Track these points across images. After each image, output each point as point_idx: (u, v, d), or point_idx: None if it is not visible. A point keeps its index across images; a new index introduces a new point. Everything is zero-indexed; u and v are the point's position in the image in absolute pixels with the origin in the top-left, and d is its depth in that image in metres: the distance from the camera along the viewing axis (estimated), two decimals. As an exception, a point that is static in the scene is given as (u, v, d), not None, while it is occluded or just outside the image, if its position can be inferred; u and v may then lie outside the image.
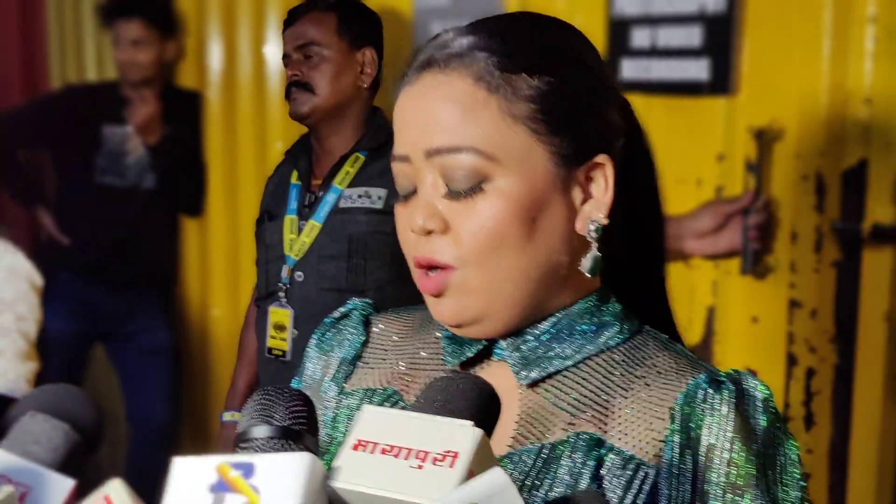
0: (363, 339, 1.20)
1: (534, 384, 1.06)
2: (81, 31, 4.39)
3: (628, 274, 1.15)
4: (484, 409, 0.82)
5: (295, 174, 2.40)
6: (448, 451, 0.76)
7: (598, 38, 2.65)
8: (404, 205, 1.07)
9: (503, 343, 1.07)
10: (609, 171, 1.06)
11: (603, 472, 1.00)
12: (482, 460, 0.77)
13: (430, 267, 1.04)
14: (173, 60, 3.87)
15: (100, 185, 3.73)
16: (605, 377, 1.05)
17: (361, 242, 2.28)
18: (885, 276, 2.16)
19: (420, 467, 0.76)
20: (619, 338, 1.07)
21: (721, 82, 2.39)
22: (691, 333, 2.50)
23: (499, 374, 1.06)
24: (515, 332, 1.07)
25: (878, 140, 2.16)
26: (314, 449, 0.83)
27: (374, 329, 1.21)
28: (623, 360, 1.06)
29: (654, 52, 2.53)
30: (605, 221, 1.05)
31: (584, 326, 1.07)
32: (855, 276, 2.20)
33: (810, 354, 2.27)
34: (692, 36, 2.45)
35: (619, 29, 2.60)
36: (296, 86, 2.33)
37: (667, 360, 1.05)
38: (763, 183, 2.34)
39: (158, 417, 3.80)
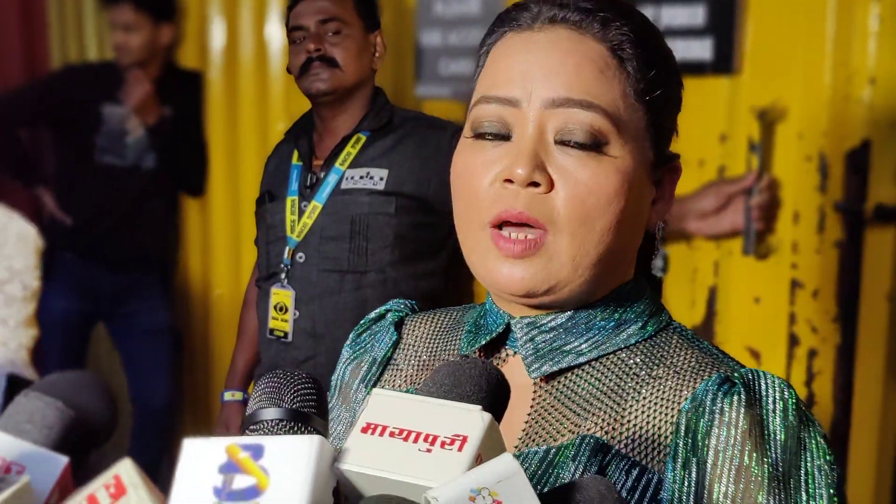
0: (394, 339, 1.18)
1: (546, 380, 1.03)
2: (82, 12, 4.38)
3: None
4: (492, 394, 0.82)
5: (296, 154, 2.39)
6: (457, 436, 0.76)
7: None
8: (482, 147, 1.00)
9: (518, 333, 1.04)
10: (678, 176, 1.06)
11: (607, 473, 0.96)
12: (491, 445, 0.77)
13: (517, 225, 0.97)
14: (169, 45, 3.85)
15: (100, 165, 3.72)
16: (620, 378, 1.01)
17: (363, 223, 2.27)
18: (888, 257, 2.16)
19: (428, 451, 0.76)
20: (639, 335, 1.03)
21: (724, 62, 2.39)
22: (693, 313, 2.51)
23: (514, 371, 1.04)
24: (537, 311, 1.03)
25: (882, 121, 2.15)
26: (323, 431, 0.83)
27: (406, 330, 1.18)
28: (642, 361, 1.01)
29: (657, 32, 2.52)
30: (666, 223, 1.06)
31: (602, 322, 1.03)
32: (857, 256, 2.20)
33: (812, 335, 2.28)
34: (696, 15, 2.44)
35: (622, 8, 2.59)
36: (319, 60, 2.29)
37: (688, 359, 1.00)
38: (765, 163, 2.34)
39: (160, 398, 3.80)
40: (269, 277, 2.36)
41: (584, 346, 1.02)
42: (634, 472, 0.95)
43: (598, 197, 0.96)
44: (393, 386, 1.15)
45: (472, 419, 0.77)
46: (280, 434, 0.81)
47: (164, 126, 3.65)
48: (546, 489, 0.91)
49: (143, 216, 3.77)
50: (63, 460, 0.91)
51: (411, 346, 1.17)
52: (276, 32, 3.53)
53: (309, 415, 0.81)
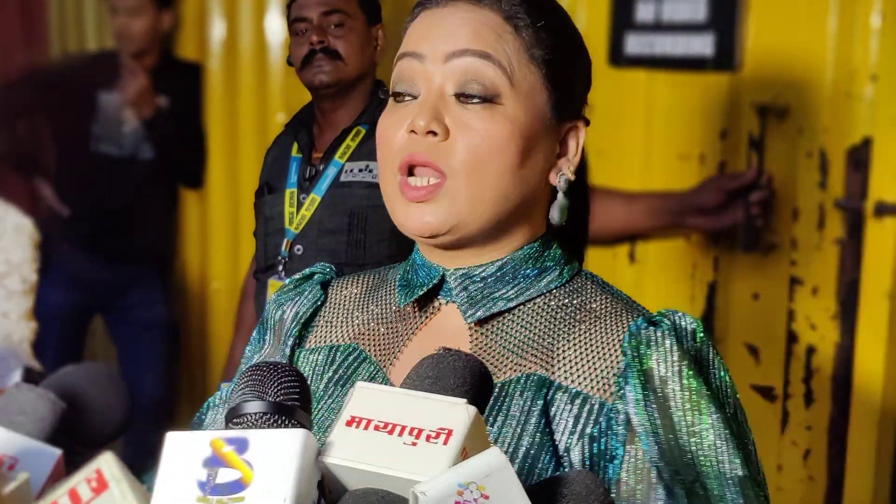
0: (320, 296, 1.28)
1: (480, 324, 1.15)
2: (82, 1, 4.37)
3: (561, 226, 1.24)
4: (476, 387, 0.82)
5: (295, 147, 2.37)
6: (442, 429, 0.76)
7: (602, 11, 2.63)
8: (396, 108, 1.15)
9: (451, 283, 1.16)
10: (582, 135, 1.20)
11: (552, 410, 1.08)
12: (476, 437, 0.76)
13: (420, 167, 1.11)
14: (169, 31, 3.84)
15: (96, 154, 3.70)
16: (548, 321, 1.15)
17: (362, 217, 2.26)
18: (888, 254, 2.15)
19: (413, 444, 0.76)
20: (558, 281, 1.17)
21: (725, 58, 2.38)
22: (693, 309, 2.50)
23: (450, 317, 1.17)
24: (469, 261, 1.16)
25: (883, 118, 2.14)
26: (307, 425, 0.82)
27: (335, 290, 1.29)
28: (563, 304, 1.16)
29: (659, 27, 2.51)
30: (572, 177, 1.18)
31: (527, 271, 1.17)
32: (857, 253, 2.19)
33: (811, 332, 2.27)
34: (697, 10, 2.43)
35: (624, 3, 2.58)
36: (322, 52, 2.28)
37: (604, 304, 1.15)
38: (766, 159, 2.33)
39: (153, 392, 3.78)
40: (266, 269, 2.34)
41: (511, 292, 1.16)
42: (577, 401, 1.08)
43: (490, 143, 1.10)
44: (325, 341, 1.25)
45: (456, 412, 0.76)
46: (264, 427, 0.81)
47: (161, 119, 3.63)
48: (497, 421, 1.07)
49: (141, 207, 3.74)
50: (56, 453, 0.91)
51: (341, 305, 1.27)
52: (276, 24, 3.52)
53: (293, 408, 0.81)
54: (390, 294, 1.25)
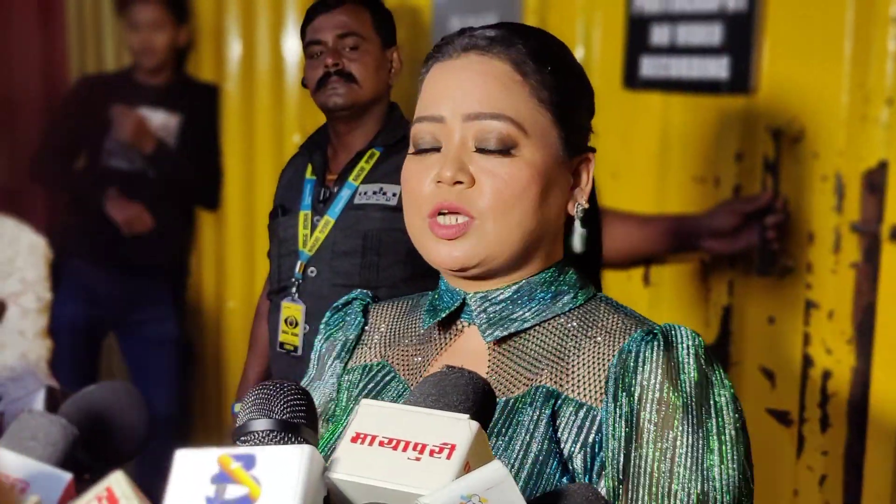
0: (362, 322, 1.38)
1: (498, 343, 1.23)
2: (101, 23, 4.41)
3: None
4: (479, 403, 0.83)
5: (310, 168, 2.38)
6: (445, 444, 0.77)
7: (617, 34, 2.64)
8: (421, 159, 1.23)
9: (472, 306, 1.24)
10: (592, 164, 1.28)
11: (559, 419, 1.15)
12: (478, 452, 0.77)
13: (450, 213, 1.19)
14: (184, 46, 3.87)
15: (108, 169, 3.72)
16: (560, 338, 1.22)
17: (376, 239, 2.26)
18: (904, 279, 2.14)
19: (417, 459, 0.77)
20: (572, 304, 1.25)
21: (741, 81, 2.38)
22: (707, 333, 2.49)
23: (472, 338, 1.25)
24: (490, 285, 1.24)
25: (899, 141, 2.13)
26: (313, 441, 0.83)
27: (372, 315, 1.39)
28: (577, 324, 1.23)
29: (674, 50, 2.51)
30: (587, 205, 1.26)
31: (542, 294, 1.24)
32: (873, 277, 2.18)
33: (827, 356, 2.25)
34: (712, 34, 2.44)
35: (639, 26, 2.58)
36: (337, 74, 2.29)
37: (616, 322, 1.22)
38: (781, 183, 2.32)
39: (164, 409, 3.79)
40: (280, 291, 2.35)
41: (527, 314, 1.23)
42: (582, 411, 1.15)
43: (513, 187, 1.18)
44: (364, 361, 1.34)
45: (459, 428, 0.78)
46: (271, 444, 0.81)
47: (163, 151, 3.65)
48: (509, 431, 1.14)
49: (153, 223, 3.75)
50: (66, 477, 0.92)
51: (376, 329, 1.37)
52: (292, 46, 3.54)
53: (299, 425, 0.82)
54: (420, 318, 1.33)
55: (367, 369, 1.33)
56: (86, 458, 0.98)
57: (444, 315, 1.26)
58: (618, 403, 1.12)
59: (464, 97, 1.20)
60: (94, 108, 3.74)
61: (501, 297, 1.24)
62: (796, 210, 2.30)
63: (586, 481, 1.11)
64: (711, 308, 2.49)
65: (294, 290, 2.32)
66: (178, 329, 3.90)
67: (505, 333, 1.23)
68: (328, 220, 2.31)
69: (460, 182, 1.18)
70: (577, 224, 1.26)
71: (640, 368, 1.13)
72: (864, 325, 2.19)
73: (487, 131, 1.19)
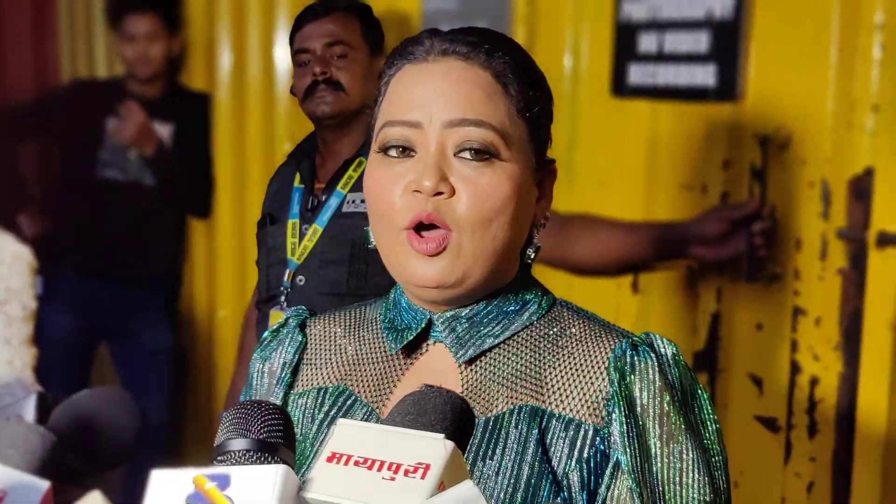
0: (301, 340, 1.31)
1: (469, 362, 1.19)
2: (92, 29, 4.41)
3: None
4: (456, 423, 0.83)
5: (298, 177, 2.38)
6: (420, 463, 0.77)
7: (604, 42, 2.65)
8: (389, 164, 1.16)
9: (439, 326, 1.20)
10: (554, 177, 1.26)
11: (547, 438, 1.13)
12: (454, 472, 0.77)
13: (426, 227, 1.13)
14: (177, 55, 3.88)
15: (101, 179, 3.72)
16: (533, 352, 1.19)
17: (364, 247, 2.26)
18: (891, 284, 2.14)
19: (392, 479, 0.77)
20: (538, 313, 1.22)
21: (728, 88, 2.38)
22: (696, 340, 2.49)
23: (439, 357, 1.21)
24: (453, 308, 1.20)
25: (885, 148, 2.14)
26: (290, 461, 0.83)
27: (313, 330, 1.32)
28: (546, 334, 1.20)
29: (661, 58, 2.52)
30: (549, 217, 1.24)
31: (509, 307, 1.21)
32: (860, 283, 2.19)
33: (814, 362, 2.26)
34: (699, 41, 2.44)
35: (627, 34, 2.59)
36: (325, 83, 2.29)
37: (582, 328, 1.20)
38: (768, 190, 2.33)
39: (155, 418, 3.78)
40: (268, 300, 2.35)
41: (496, 329, 1.20)
42: (571, 427, 1.13)
43: (495, 200, 1.14)
44: (312, 384, 1.27)
45: (435, 447, 0.78)
46: (247, 464, 0.81)
47: (163, 154, 3.65)
48: (496, 454, 1.12)
49: (146, 233, 3.76)
50: (44, 485, 0.91)
51: (322, 345, 1.30)
52: (283, 55, 3.54)
53: (276, 445, 0.82)
54: (373, 334, 1.27)
55: (322, 392, 1.26)
56: (77, 464, 0.98)
57: (411, 337, 1.21)
58: (626, 421, 1.11)
59: (445, 103, 1.15)
60: (86, 117, 3.74)
61: (469, 313, 1.20)
62: (783, 217, 2.31)
63: (584, 498, 1.11)
64: (700, 315, 2.50)
65: (283, 298, 2.31)
66: (172, 338, 3.90)
67: (478, 352, 1.19)
68: (316, 229, 2.31)
69: (440, 192, 1.13)
70: (536, 237, 1.22)
71: (638, 386, 1.13)
72: (852, 331, 2.20)
73: (470, 138, 1.14)
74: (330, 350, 1.29)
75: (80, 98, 3.89)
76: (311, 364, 1.29)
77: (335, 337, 1.30)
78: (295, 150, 2.48)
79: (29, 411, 1.42)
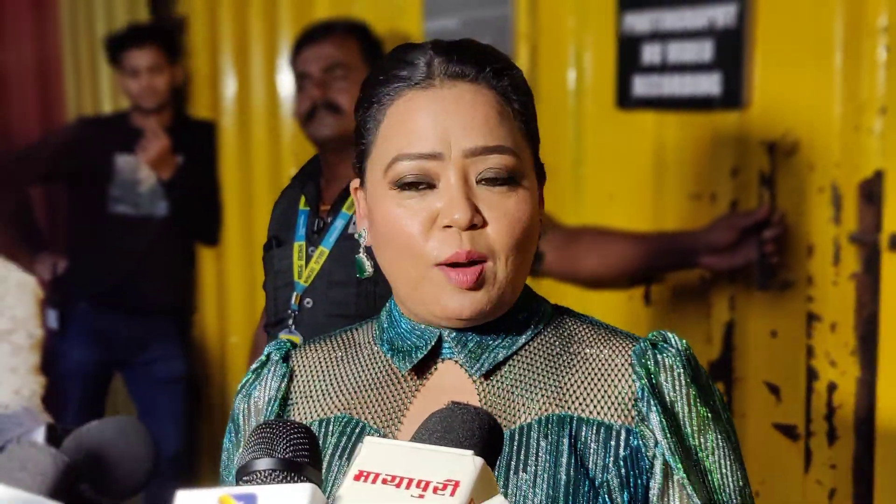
0: (285, 372, 1.25)
1: (485, 377, 1.18)
2: (96, 63, 4.42)
3: None
4: (485, 440, 0.82)
5: (303, 199, 2.38)
6: (449, 480, 0.76)
7: (608, 55, 2.65)
8: (407, 197, 1.13)
9: (449, 343, 1.18)
10: (543, 180, 1.23)
11: (580, 444, 1.13)
12: (484, 489, 0.76)
13: (468, 262, 1.11)
14: (180, 84, 3.90)
15: (113, 215, 3.74)
16: (546, 359, 1.19)
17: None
18: (905, 287, 2.13)
19: (421, 496, 0.76)
20: (544, 320, 1.22)
21: (733, 96, 2.38)
22: (711, 349, 2.48)
23: (450, 374, 1.19)
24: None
25: (894, 150, 2.13)
26: (316, 481, 0.82)
27: (302, 361, 1.26)
28: (555, 341, 1.20)
29: (665, 68, 2.52)
30: (546, 222, 1.25)
31: (518, 318, 1.20)
32: (874, 287, 2.17)
33: (831, 368, 2.25)
34: (703, 50, 2.44)
35: (630, 45, 2.59)
36: (323, 106, 2.30)
37: (588, 333, 1.21)
38: (778, 196, 2.32)
39: (172, 447, 3.78)
40: (277, 323, 2.34)
41: (506, 341, 1.19)
42: (602, 431, 1.13)
43: (524, 224, 1.14)
44: (311, 416, 1.22)
45: (464, 464, 0.76)
46: (273, 483, 0.80)
47: (179, 178, 3.67)
48: (529, 461, 1.11)
49: (157, 264, 3.78)
50: (57, 509, 0.90)
51: (313, 375, 1.25)
52: (287, 81, 3.55)
53: (302, 464, 0.81)
54: (370, 357, 1.23)
55: (325, 424, 1.21)
56: (91, 494, 0.97)
57: (421, 356, 1.18)
58: (662, 417, 1.12)
59: (465, 131, 1.11)
60: (94, 155, 3.76)
61: (477, 328, 1.18)
62: (794, 223, 2.30)
63: (625, 499, 1.11)
64: (714, 324, 2.48)
65: (290, 321, 2.31)
66: (185, 366, 3.91)
67: (492, 366, 1.17)
68: (323, 251, 2.30)
69: (474, 225, 1.11)
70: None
71: (665, 383, 1.14)
72: (868, 335, 2.19)
73: (492, 166, 1.12)
74: (324, 380, 1.24)
75: (86, 136, 3.91)
76: (306, 396, 1.24)
77: (328, 365, 1.25)
78: (299, 173, 2.48)
79: (38, 441, 1.41)
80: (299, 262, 2.32)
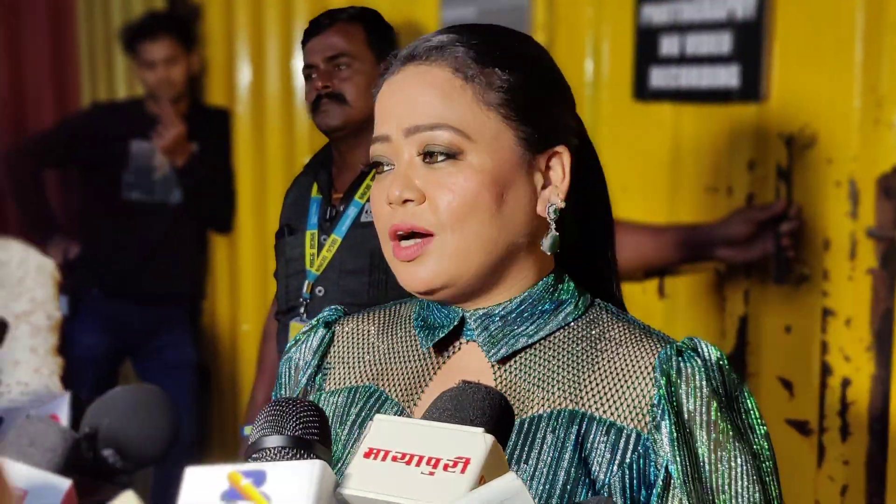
0: (325, 335, 1.31)
1: (503, 361, 1.18)
2: (112, 51, 4.43)
3: (579, 256, 1.27)
4: (495, 419, 0.81)
5: (315, 187, 2.38)
6: (459, 458, 0.76)
7: (626, 46, 2.63)
8: (380, 178, 1.19)
9: (472, 324, 1.19)
10: (566, 159, 1.19)
11: (587, 443, 1.11)
12: (494, 467, 0.76)
13: (408, 235, 1.15)
14: (196, 74, 3.90)
15: (127, 201, 3.75)
16: (569, 353, 1.17)
17: (383, 257, 2.25)
18: (922, 283, 2.12)
19: (431, 474, 0.76)
20: (575, 314, 1.20)
21: (751, 89, 2.36)
22: (724, 344, 2.47)
23: (471, 355, 1.20)
24: (481, 304, 1.19)
25: (913, 144, 2.12)
26: (326, 458, 0.81)
27: (345, 328, 1.31)
28: (583, 336, 1.18)
29: (683, 60, 2.50)
30: (562, 205, 1.18)
31: (544, 306, 1.19)
32: (890, 283, 2.16)
33: (845, 363, 2.23)
34: (722, 42, 2.43)
35: (648, 37, 2.58)
36: (327, 97, 2.30)
37: (622, 332, 1.18)
38: (795, 190, 2.30)
39: (185, 433, 3.79)
40: (288, 311, 2.34)
41: (530, 328, 1.18)
42: (612, 432, 1.11)
43: (465, 196, 1.13)
44: (343, 383, 1.26)
45: (474, 441, 0.76)
46: (283, 461, 0.80)
47: (193, 165, 3.67)
48: (532, 453, 1.10)
49: (170, 251, 3.79)
50: (65, 484, 0.90)
51: (354, 343, 1.29)
52: (301, 68, 3.54)
53: (311, 442, 0.81)
54: (405, 332, 1.27)
55: (353, 392, 1.26)
56: (115, 459, 0.97)
57: (443, 335, 1.20)
58: (675, 428, 1.09)
59: (404, 112, 1.16)
60: (109, 141, 3.76)
61: (502, 311, 1.19)
62: (811, 217, 2.28)
63: (628, 502, 1.09)
64: (727, 318, 2.47)
65: (302, 309, 2.30)
66: (196, 353, 3.91)
67: (510, 351, 1.18)
68: (335, 239, 2.30)
69: (409, 200, 1.15)
70: (552, 226, 1.18)
71: (684, 391, 1.11)
72: (883, 331, 2.17)
73: (430, 143, 1.14)
74: (362, 348, 1.28)
75: (101, 122, 3.91)
76: (342, 362, 1.29)
77: (368, 335, 1.29)
78: (311, 161, 2.48)
79: (63, 411, 1.42)
80: (311, 250, 2.32)
